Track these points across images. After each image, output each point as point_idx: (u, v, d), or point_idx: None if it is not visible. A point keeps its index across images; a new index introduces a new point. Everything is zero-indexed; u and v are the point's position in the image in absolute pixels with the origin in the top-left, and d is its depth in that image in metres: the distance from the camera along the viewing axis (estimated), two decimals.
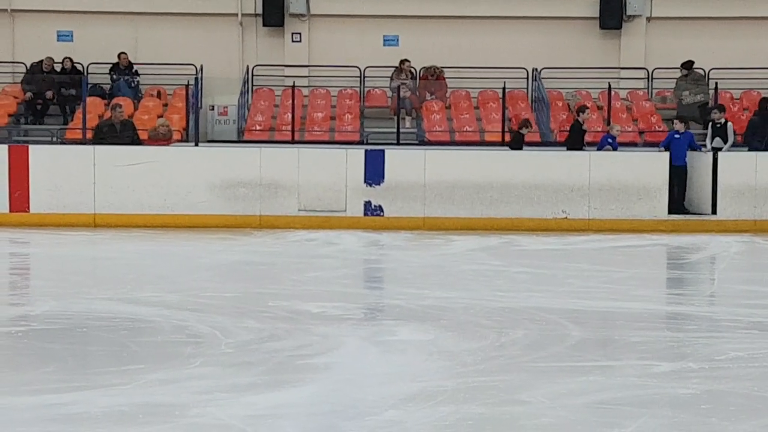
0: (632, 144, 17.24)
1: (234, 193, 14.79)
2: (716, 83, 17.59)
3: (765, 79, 19.13)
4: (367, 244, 13.29)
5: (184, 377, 5.51)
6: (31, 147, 15.07)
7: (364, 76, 19.77)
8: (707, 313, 8.36)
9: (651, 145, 16.58)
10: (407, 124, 18.70)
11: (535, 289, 9.15)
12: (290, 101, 17.35)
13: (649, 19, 20.17)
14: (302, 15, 20.05)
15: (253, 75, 19.84)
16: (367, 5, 20.07)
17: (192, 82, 17.46)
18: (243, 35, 20.24)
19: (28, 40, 20.03)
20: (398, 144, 16.74)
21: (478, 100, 19.40)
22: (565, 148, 15.69)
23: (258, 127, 18.68)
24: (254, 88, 19.82)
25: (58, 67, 19.29)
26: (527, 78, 19.61)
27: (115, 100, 17.85)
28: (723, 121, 15.93)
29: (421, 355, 6.16)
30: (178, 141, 16.91)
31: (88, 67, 19.61)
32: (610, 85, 17.42)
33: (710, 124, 16.18)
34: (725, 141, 15.73)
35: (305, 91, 19.64)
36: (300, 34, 20.16)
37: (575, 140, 15.65)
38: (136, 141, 15.60)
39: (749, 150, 15.66)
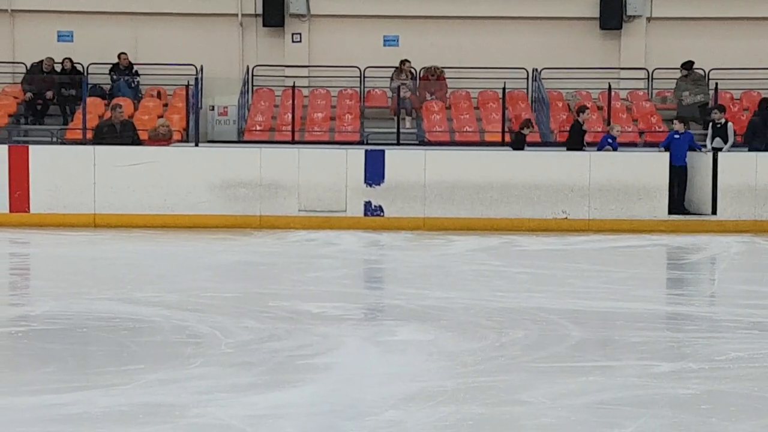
0: (632, 144, 17.24)
1: (234, 194, 14.79)
2: (716, 83, 17.59)
3: (765, 80, 19.13)
4: (368, 245, 13.29)
5: (184, 377, 5.51)
6: (31, 147, 15.08)
7: (364, 77, 19.77)
8: (707, 313, 8.35)
9: (651, 146, 16.58)
10: (407, 125, 18.70)
11: (535, 289, 9.15)
12: (290, 101, 17.35)
13: (649, 19, 20.17)
14: (302, 15, 20.05)
15: (253, 75, 19.85)
16: (367, 5, 20.08)
17: (192, 82, 17.46)
18: (243, 35, 20.25)
19: (28, 40, 20.03)
20: (398, 144, 16.75)
21: (478, 101, 19.41)
22: (565, 149, 15.69)
23: (258, 128, 18.68)
24: (254, 88, 19.82)
25: (58, 68, 19.30)
26: (527, 78, 19.61)
27: (115, 101, 17.86)
28: (723, 121, 15.93)
29: (421, 355, 6.15)
30: (178, 141, 16.91)
31: (88, 68, 19.61)
32: (610, 86, 17.43)
33: (710, 124, 16.18)
34: (725, 141, 15.73)
35: (305, 92, 19.65)
36: (300, 34, 20.17)
37: (575, 140, 15.65)
38: (136, 141, 15.60)
39: (749, 150, 15.66)
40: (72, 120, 18.56)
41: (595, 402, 5.07)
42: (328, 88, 19.68)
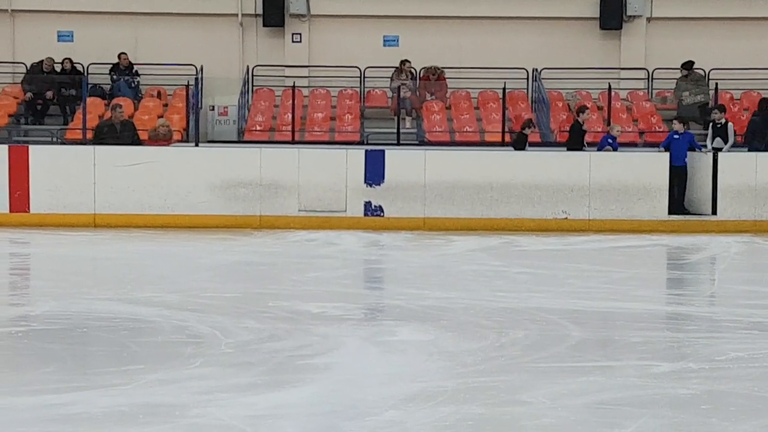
0: (632, 144, 17.24)
1: (234, 194, 14.79)
2: (716, 83, 17.58)
3: (765, 80, 19.13)
4: (368, 245, 13.29)
5: (184, 377, 5.51)
6: (32, 147, 15.08)
7: (364, 77, 19.77)
8: (707, 313, 8.36)
9: (651, 146, 16.58)
10: (407, 125, 18.70)
11: (535, 289, 9.15)
12: (290, 101, 17.35)
13: (649, 19, 20.17)
14: (302, 15, 20.05)
15: (253, 75, 19.85)
16: (367, 5, 20.08)
17: (192, 82, 17.46)
18: (243, 35, 20.25)
19: (28, 41, 20.03)
20: (398, 144, 16.74)
21: (479, 101, 19.40)
22: (565, 149, 15.69)
23: (258, 128, 18.68)
24: (254, 88, 19.82)
25: (58, 68, 19.30)
26: (527, 78, 19.60)
27: (115, 101, 17.85)
28: (723, 121, 15.92)
29: (422, 355, 6.15)
30: (179, 141, 16.91)
31: (88, 68, 19.61)
32: (610, 86, 17.42)
33: (711, 124, 16.18)
34: (725, 141, 15.73)
35: (305, 92, 19.65)
36: (300, 34, 20.17)
37: (575, 140, 15.65)
38: (136, 141, 15.60)
39: (749, 150, 15.66)
40: (72, 120, 18.56)
41: (595, 402, 5.08)
42: (328, 88, 19.68)
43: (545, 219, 14.91)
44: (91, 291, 8.79)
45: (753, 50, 19.69)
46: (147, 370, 5.71)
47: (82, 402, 4.95)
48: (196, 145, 16.07)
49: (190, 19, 20.11)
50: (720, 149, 15.55)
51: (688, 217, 15.10)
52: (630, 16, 20.00)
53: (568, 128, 16.54)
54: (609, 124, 16.76)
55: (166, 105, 19.21)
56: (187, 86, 17.25)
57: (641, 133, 18.44)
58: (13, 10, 20.11)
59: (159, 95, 19.34)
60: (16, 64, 20.05)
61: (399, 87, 18.14)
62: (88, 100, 17.54)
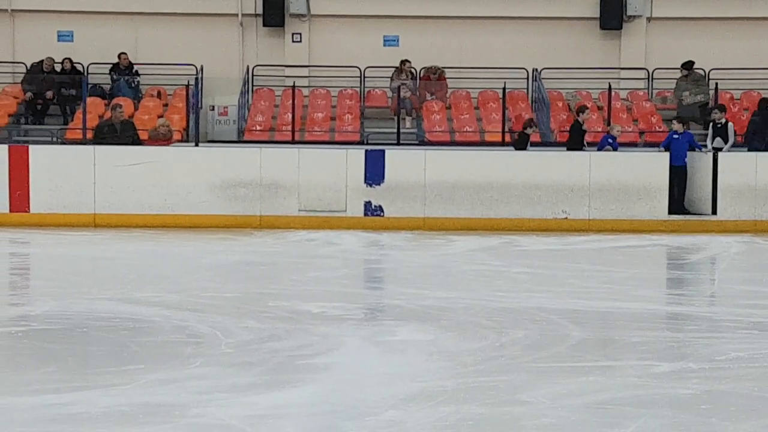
0: (632, 144, 17.24)
1: (234, 193, 14.79)
2: (716, 83, 17.59)
3: (765, 79, 19.13)
4: (368, 245, 13.29)
5: (184, 377, 5.51)
6: (32, 147, 15.08)
7: (364, 76, 19.77)
8: (707, 313, 8.35)
9: (651, 146, 16.58)
10: (407, 125, 18.70)
11: (535, 289, 9.15)
12: (290, 101, 17.35)
13: (649, 19, 20.17)
14: (302, 15, 20.05)
15: (253, 75, 19.85)
16: (367, 5, 20.08)
17: (192, 82, 17.47)
18: (243, 35, 20.25)
19: (28, 40, 20.03)
20: (398, 144, 16.75)
21: (479, 101, 19.40)
22: (565, 149, 15.69)
23: (258, 127, 18.68)
24: (254, 88, 19.82)
25: (58, 67, 19.30)
26: (527, 78, 19.61)
27: (115, 100, 17.86)
28: (723, 121, 15.92)
29: (422, 355, 6.15)
30: (179, 141, 16.92)
31: (88, 67, 19.61)
32: (610, 86, 17.42)
33: (711, 124, 16.18)
34: (726, 141, 15.73)
35: (305, 91, 19.65)
36: (300, 34, 20.17)
37: (575, 140, 15.65)
38: (136, 141, 15.60)
39: (750, 150, 15.66)
40: (72, 120, 18.56)
41: (595, 402, 5.07)
42: (328, 88, 19.68)
43: (545, 219, 14.91)
44: (91, 291, 8.79)
45: (753, 50, 19.69)
46: (147, 369, 5.71)
47: (82, 402, 4.95)
48: (196, 145, 16.07)
49: (190, 19, 20.11)
50: (720, 149, 15.55)
51: (688, 217, 15.11)
52: (630, 16, 20.00)
53: (568, 128, 16.54)
54: (609, 124, 16.76)
55: (166, 105, 19.21)
56: (187, 86, 17.26)
57: (641, 133, 18.44)
58: (13, 10, 20.11)
59: (159, 95, 19.34)
60: (16, 64, 20.05)
61: (399, 87, 18.15)
62: (88, 100, 17.54)
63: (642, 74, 20.03)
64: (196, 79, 17.87)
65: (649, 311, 8.22)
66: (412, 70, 19.49)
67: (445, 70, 19.52)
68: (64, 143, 17.43)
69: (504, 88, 17.01)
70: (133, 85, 19.48)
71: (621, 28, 20.06)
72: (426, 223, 14.86)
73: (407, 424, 4.60)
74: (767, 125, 16.05)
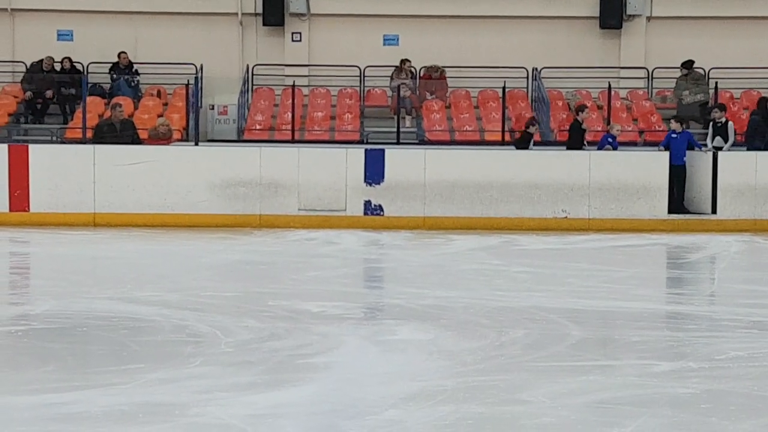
0: (632, 144, 17.24)
1: (234, 193, 14.79)
2: (716, 83, 17.59)
3: (765, 79, 19.13)
4: (367, 244, 13.29)
5: (184, 377, 5.51)
6: (31, 146, 15.07)
7: (364, 76, 19.77)
8: (707, 312, 8.36)
9: (651, 145, 16.58)
10: (407, 124, 18.70)
11: (535, 288, 9.15)
12: (290, 101, 17.35)
13: (649, 18, 20.17)
14: (302, 14, 20.04)
15: (253, 74, 19.84)
16: (367, 5, 20.07)
17: (192, 81, 17.46)
18: (243, 35, 20.24)
19: (28, 40, 20.02)
20: (398, 143, 16.74)
21: (478, 100, 19.40)
22: (565, 148, 15.69)
23: (258, 127, 18.68)
24: (254, 87, 19.82)
25: (57, 67, 19.29)
26: (527, 78, 19.61)
27: (115, 100, 17.84)
28: (723, 120, 15.92)
29: (421, 354, 6.16)
30: (178, 140, 16.92)
31: (88, 67, 19.61)
32: (610, 85, 17.42)
33: (711, 123, 16.18)
34: (726, 140, 15.73)
35: (305, 91, 19.64)
36: (300, 33, 20.16)
37: (575, 140, 15.65)
38: (136, 140, 15.60)
39: (749, 149, 15.66)
40: (72, 119, 18.55)
41: (595, 401, 5.08)
42: (328, 88, 19.67)
43: (545, 218, 14.91)
44: (90, 290, 8.80)
45: (753, 50, 19.68)
46: (147, 369, 5.71)
47: (82, 401, 4.95)
48: (196, 144, 16.07)
49: (190, 18, 20.11)
50: (720, 148, 15.55)
51: (688, 216, 15.11)
52: (630, 16, 20.00)
53: (567, 127, 16.54)
54: (609, 123, 16.76)
55: (165, 104, 19.21)
56: (187, 85, 17.25)
57: (641, 132, 18.44)
58: (12, 9, 20.10)
59: (159, 94, 19.34)
60: (15, 63, 20.05)
61: (399, 86, 18.14)
62: (88, 99, 17.54)
63: (642, 73, 20.03)
64: (196, 78, 17.86)
65: (649, 310, 8.21)
66: (412, 69, 19.48)
67: (445, 69, 19.52)
68: (63, 142, 17.42)
69: (504, 88, 17.01)
70: (132, 84, 19.47)
71: (621, 27, 20.05)
72: (426, 223, 14.86)
73: (407, 424, 4.60)
74: (767, 124, 16.05)
